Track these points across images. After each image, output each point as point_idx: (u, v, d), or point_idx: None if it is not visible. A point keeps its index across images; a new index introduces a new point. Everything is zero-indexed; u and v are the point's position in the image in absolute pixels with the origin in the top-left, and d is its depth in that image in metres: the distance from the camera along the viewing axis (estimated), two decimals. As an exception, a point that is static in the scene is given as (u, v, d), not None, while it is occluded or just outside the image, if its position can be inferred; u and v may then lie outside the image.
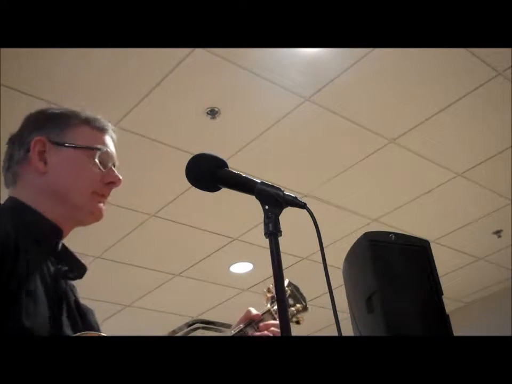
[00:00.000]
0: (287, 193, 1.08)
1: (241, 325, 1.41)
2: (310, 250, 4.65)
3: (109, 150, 1.31)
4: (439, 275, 1.51)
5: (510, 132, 3.72)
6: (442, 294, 1.48)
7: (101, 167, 1.28)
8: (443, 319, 1.44)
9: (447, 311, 1.46)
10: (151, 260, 4.60)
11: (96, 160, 1.28)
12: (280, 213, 1.06)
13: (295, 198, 1.08)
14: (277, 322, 1.44)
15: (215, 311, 5.59)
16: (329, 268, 1.06)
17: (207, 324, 5.83)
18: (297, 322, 1.54)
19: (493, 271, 5.45)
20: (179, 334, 5.87)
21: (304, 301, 1.57)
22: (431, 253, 1.55)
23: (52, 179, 1.25)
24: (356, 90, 3.35)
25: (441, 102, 3.50)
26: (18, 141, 1.32)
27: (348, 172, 3.98)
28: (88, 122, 1.32)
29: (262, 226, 1.05)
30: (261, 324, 1.47)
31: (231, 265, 4.94)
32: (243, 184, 1.12)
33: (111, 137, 1.35)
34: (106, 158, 1.30)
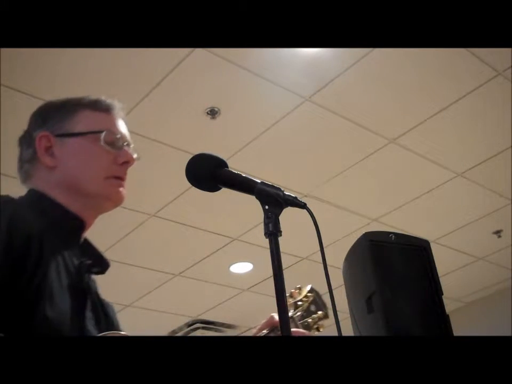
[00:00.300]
0: (287, 193, 1.08)
1: (264, 331, 1.37)
2: (310, 250, 4.65)
3: (115, 130, 1.27)
4: (439, 275, 1.51)
5: (510, 132, 3.72)
6: (442, 294, 1.48)
7: (110, 149, 1.25)
8: (443, 319, 1.44)
9: (447, 311, 1.46)
10: (151, 260, 4.60)
11: (102, 144, 1.24)
12: (280, 213, 1.06)
13: (295, 198, 1.08)
14: (301, 330, 1.40)
15: (215, 311, 5.59)
16: (329, 268, 1.06)
17: (207, 323, 5.83)
18: (318, 329, 1.49)
19: (493, 271, 5.45)
20: (179, 334, 5.87)
21: (325, 308, 1.53)
22: (431, 253, 1.55)
23: (62, 173, 1.23)
24: (356, 90, 3.35)
25: (441, 102, 3.50)
26: (25, 140, 1.30)
27: (348, 172, 3.98)
28: (89, 105, 1.28)
29: (262, 226, 1.05)
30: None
31: (231, 265, 4.94)
32: (243, 184, 1.11)
33: (119, 116, 1.31)
34: (114, 138, 1.26)
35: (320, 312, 1.50)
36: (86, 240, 1.26)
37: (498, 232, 4.86)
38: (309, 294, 1.51)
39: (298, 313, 1.45)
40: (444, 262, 4.83)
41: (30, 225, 1.08)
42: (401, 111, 3.54)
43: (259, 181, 1.09)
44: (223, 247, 4.62)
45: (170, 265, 4.75)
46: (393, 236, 1.51)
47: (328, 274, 1.06)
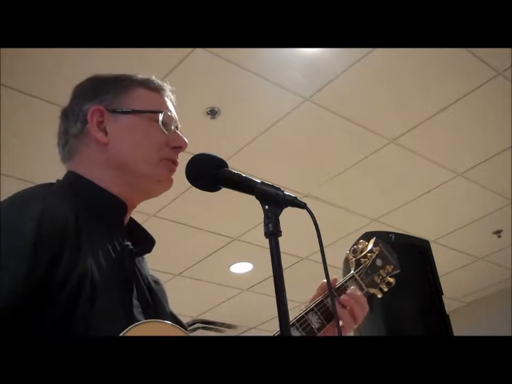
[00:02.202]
0: (287, 193, 1.08)
1: (320, 298, 1.25)
2: (310, 250, 4.65)
3: (170, 112, 1.23)
4: (439, 275, 1.51)
5: (510, 132, 3.72)
6: (442, 294, 1.48)
7: (165, 131, 1.20)
8: (443, 319, 1.44)
9: (447, 311, 1.46)
10: (151, 260, 4.59)
11: (160, 124, 1.19)
12: (280, 213, 1.06)
13: (295, 198, 1.08)
14: (361, 297, 1.27)
15: (215, 311, 5.60)
16: (329, 268, 1.06)
17: (207, 323, 5.83)
18: (388, 284, 1.35)
19: (493, 271, 5.45)
20: (179, 334, 5.87)
21: (395, 259, 1.38)
22: (431, 253, 1.55)
23: (114, 150, 1.17)
24: (356, 90, 3.35)
25: (441, 102, 3.50)
26: (72, 114, 1.21)
27: (348, 172, 3.98)
28: (143, 83, 1.23)
29: (262, 226, 1.05)
30: (344, 296, 1.26)
31: (231, 265, 4.94)
32: (243, 184, 1.11)
33: (169, 98, 1.27)
34: (169, 120, 1.21)
35: (388, 266, 1.37)
36: (130, 219, 1.21)
37: (498, 232, 4.86)
38: (374, 248, 1.38)
39: (361, 271, 1.34)
40: (444, 262, 4.84)
41: (64, 217, 1.02)
42: (401, 111, 3.54)
43: (259, 181, 1.09)
44: (223, 247, 4.62)
45: (170, 265, 4.75)
46: (393, 236, 1.52)
47: (328, 274, 1.06)
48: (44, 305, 0.95)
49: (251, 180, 1.10)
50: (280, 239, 1.04)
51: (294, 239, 4.12)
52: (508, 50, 3.09)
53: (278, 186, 1.08)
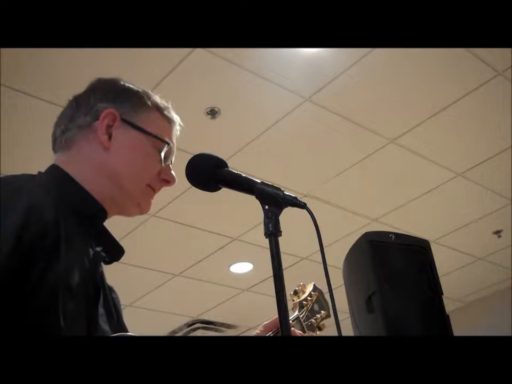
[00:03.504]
0: (287, 193, 1.08)
1: (270, 333, 1.35)
2: (310, 250, 4.65)
3: (174, 146, 1.24)
4: (439, 275, 1.51)
5: (510, 132, 3.72)
6: (442, 294, 1.48)
7: (162, 161, 1.20)
8: (443, 319, 1.44)
9: (447, 311, 1.46)
10: (151, 260, 4.60)
11: (162, 154, 1.20)
12: (280, 213, 1.06)
13: (295, 198, 1.08)
14: (305, 334, 1.39)
15: (215, 311, 5.60)
16: (329, 268, 1.06)
17: (207, 323, 5.83)
18: (320, 329, 1.48)
19: (493, 271, 5.45)
20: (179, 334, 5.87)
21: (328, 307, 1.51)
22: (431, 253, 1.55)
23: (111, 158, 1.16)
24: (356, 90, 3.35)
25: (441, 102, 3.50)
26: (85, 105, 1.20)
27: (348, 172, 3.98)
28: (160, 109, 1.24)
29: (262, 226, 1.05)
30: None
31: (231, 265, 4.94)
32: (243, 184, 1.11)
33: (176, 132, 1.28)
34: (169, 153, 1.23)
35: (323, 312, 1.49)
36: (102, 227, 1.20)
37: (498, 232, 4.86)
38: (313, 293, 1.50)
39: (304, 313, 1.44)
40: (444, 262, 4.84)
41: (47, 219, 1.00)
42: (401, 111, 3.54)
43: (259, 181, 1.09)
44: (223, 247, 4.62)
45: (170, 265, 4.75)
46: (393, 236, 1.51)
47: (328, 274, 1.06)
48: (15, 301, 0.93)
49: (251, 179, 1.10)
50: (280, 239, 1.04)
51: (294, 239, 4.12)
52: (507, 50, 3.09)
53: (278, 186, 1.08)
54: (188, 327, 5.81)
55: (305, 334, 1.42)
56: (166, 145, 1.21)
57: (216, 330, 5.94)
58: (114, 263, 1.21)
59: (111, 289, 1.20)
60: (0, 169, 3.31)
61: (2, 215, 0.95)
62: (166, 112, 1.25)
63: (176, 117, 1.28)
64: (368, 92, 3.37)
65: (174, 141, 1.27)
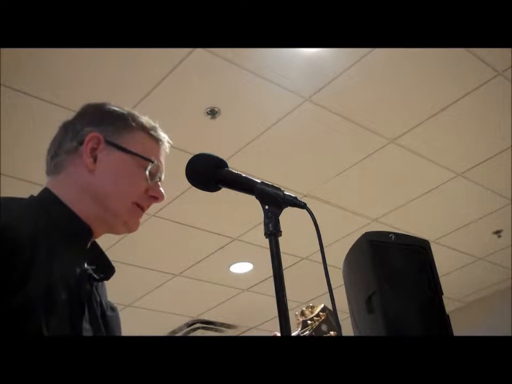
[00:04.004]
0: (287, 193, 1.08)
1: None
2: (310, 250, 4.65)
3: (160, 164, 1.27)
4: (439, 275, 1.51)
5: (510, 132, 3.72)
6: (442, 294, 1.48)
7: (148, 179, 1.24)
8: (443, 319, 1.44)
9: (447, 311, 1.46)
10: (151, 260, 4.60)
11: (146, 172, 1.23)
12: (280, 213, 1.06)
13: (295, 198, 1.08)
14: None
15: (215, 311, 5.59)
16: (329, 268, 1.06)
17: (207, 324, 5.83)
18: None
19: (493, 271, 5.45)
20: (179, 334, 5.87)
21: (339, 328, 1.50)
22: (431, 253, 1.55)
23: (96, 179, 1.20)
24: (356, 90, 3.35)
25: (441, 102, 3.50)
26: (72, 130, 1.25)
27: (348, 172, 3.98)
28: (146, 129, 1.27)
29: (262, 226, 1.05)
30: None
31: (231, 265, 4.94)
32: (243, 184, 1.12)
33: (164, 150, 1.31)
34: (155, 171, 1.26)
35: (332, 333, 1.45)
36: (93, 244, 1.23)
37: (498, 232, 4.86)
38: (321, 313, 1.47)
39: (306, 333, 1.42)
40: (444, 262, 4.84)
41: (22, 239, 1.03)
42: (401, 111, 3.54)
43: (259, 181, 1.09)
44: (223, 247, 4.62)
45: (170, 265, 4.75)
46: (393, 236, 1.51)
47: (328, 274, 1.06)
48: None
49: (251, 179, 1.11)
50: (280, 239, 1.04)
51: (294, 239, 4.12)
52: (508, 50, 3.09)
53: (278, 186, 1.08)
54: (188, 327, 5.81)
55: None
56: (151, 164, 1.24)
57: (216, 330, 5.94)
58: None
59: (111, 308, 1.23)
60: (0, 169, 3.31)
61: None
62: (152, 132, 1.28)
63: (163, 136, 1.30)
64: (368, 92, 3.37)
65: (163, 159, 1.30)
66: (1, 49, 2.65)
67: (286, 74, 3.18)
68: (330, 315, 1.48)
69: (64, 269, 1.10)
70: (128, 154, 1.22)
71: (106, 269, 1.21)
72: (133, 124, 1.26)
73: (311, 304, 1.51)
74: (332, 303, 1.19)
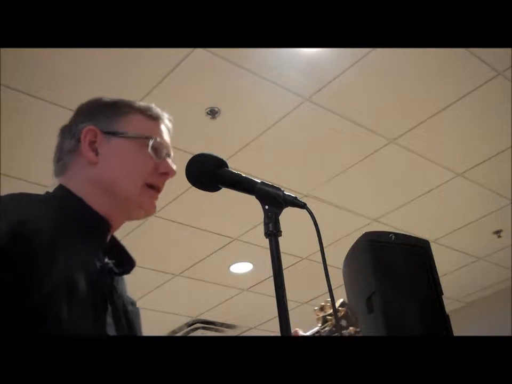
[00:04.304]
0: (287, 193, 1.08)
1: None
2: (310, 250, 4.65)
3: (162, 139, 1.25)
4: (439, 275, 1.51)
5: (510, 132, 3.72)
6: (442, 294, 1.48)
7: (154, 157, 1.22)
8: (443, 319, 1.44)
9: (447, 311, 1.46)
10: (151, 260, 4.60)
11: (149, 150, 1.22)
12: (280, 213, 1.06)
13: (295, 198, 1.08)
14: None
15: (215, 311, 5.59)
16: (329, 268, 1.06)
17: (207, 323, 5.83)
18: None
19: (493, 271, 5.45)
20: (179, 334, 5.87)
21: (339, 328, 1.44)
22: (431, 253, 1.55)
23: (102, 170, 1.20)
24: (356, 90, 3.35)
25: (441, 102, 3.50)
26: (68, 131, 1.25)
27: (348, 172, 3.98)
28: (141, 110, 1.26)
29: (262, 226, 1.05)
30: None
31: (231, 265, 4.94)
32: (243, 184, 1.12)
33: (166, 126, 1.29)
34: (159, 147, 1.24)
35: (351, 328, 1.43)
36: (112, 238, 1.23)
37: (498, 232, 4.86)
38: (340, 308, 1.45)
39: (326, 328, 1.41)
40: (444, 262, 4.84)
41: (39, 233, 1.02)
42: (401, 111, 3.54)
43: (259, 181, 1.09)
44: (223, 247, 4.62)
45: (170, 265, 4.75)
46: (393, 236, 1.52)
47: (328, 274, 1.06)
48: (15, 313, 0.95)
49: (251, 179, 1.11)
50: (280, 239, 1.04)
51: (294, 239, 4.12)
52: (508, 50, 3.09)
53: (278, 186, 1.08)
54: (188, 327, 5.81)
55: None
56: (151, 140, 1.22)
57: (216, 330, 5.94)
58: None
59: (131, 303, 1.22)
60: (0, 169, 3.31)
61: None
62: (148, 112, 1.27)
63: (161, 113, 1.29)
64: (368, 91, 3.37)
65: (165, 135, 1.28)
66: (1, 49, 2.65)
67: (286, 74, 3.18)
68: (349, 310, 1.46)
69: (84, 262, 1.09)
70: (126, 138, 1.22)
71: (126, 263, 1.21)
72: (127, 108, 1.26)
73: (328, 299, 1.49)
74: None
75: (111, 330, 1.09)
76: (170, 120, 1.31)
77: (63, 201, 1.17)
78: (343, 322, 1.43)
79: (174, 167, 1.26)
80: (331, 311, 1.45)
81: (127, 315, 1.17)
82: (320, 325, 1.42)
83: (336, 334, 1.41)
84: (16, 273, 0.96)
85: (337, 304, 1.46)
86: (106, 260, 1.16)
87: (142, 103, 1.28)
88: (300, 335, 1.36)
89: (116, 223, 1.22)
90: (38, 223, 1.03)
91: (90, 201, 1.18)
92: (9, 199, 1.08)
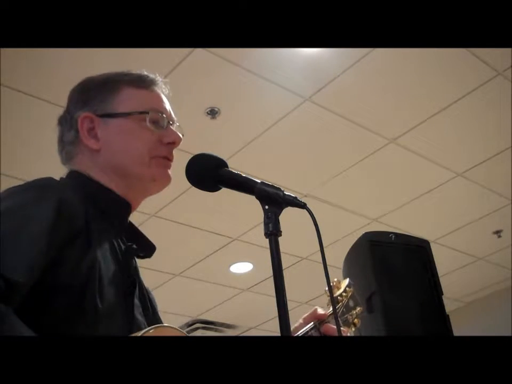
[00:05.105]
0: (287, 193, 1.08)
1: (311, 324, 1.31)
2: (310, 250, 4.65)
3: (160, 108, 1.23)
4: (439, 275, 1.51)
5: (510, 132, 3.72)
6: (442, 294, 1.48)
7: (155, 129, 1.19)
8: (443, 319, 1.44)
9: (447, 311, 1.46)
10: (151, 260, 4.59)
11: (148, 124, 1.19)
12: (280, 213, 1.06)
13: (295, 198, 1.08)
14: (337, 329, 1.40)
15: (215, 311, 5.60)
16: (329, 268, 1.06)
17: (207, 323, 5.83)
18: (355, 325, 1.44)
19: (493, 271, 5.45)
20: (179, 334, 5.86)
21: (363, 303, 1.47)
22: (431, 253, 1.55)
23: (107, 155, 1.18)
24: (356, 90, 3.35)
25: (441, 102, 3.50)
26: (65, 121, 1.22)
27: (348, 172, 3.98)
28: (132, 82, 1.23)
29: (262, 226, 1.05)
30: (324, 326, 1.34)
31: (231, 265, 4.95)
32: (243, 184, 1.11)
33: (162, 92, 1.27)
34: (159, 117, 1.21)
35: (358, 308, 1.45)
36: (130, 224, 1.22)
37: (498, 232, 4.86)
38: (347, 289, 1.46)
39: (340, 309, 1.42)
40: (444, 262, 4.84)
41: (77, 211, 1.03)
42: (401, 111, 3.54)
43: (259, 181, 1.09)
44: (223, 247, 4.62)
45: (170, 265, 4.75)
46: (393, 236, 1.52)
47: (328, 274, 1.06)
48: (54, 290, 0.96)
49: (251, 179, 1.10)
50: (280, 239, 1.04)
51: (294, 239, 4.12)
52: (508, 50, 3.09)
53: (278, 186, 1.08)
54: (188, 327, 5.81)
55: (342, 329, 1.37)
56: (148, 114, 1.20)
57: (216, 330, 5.94)
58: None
59: (147, 289, 1.21)
60: (0, 169, 3.31)
61: (34, 208, 0.98)
62: (139, 83, 1.25)
63: (154, 78, 1.27)
64: (368, 91, 3.37)
65: (162, 102, 1.25)
66: (1, 49, 2.65)
67: (286, 74, 3.18)
68: (355, 290, 1.47)
69: (111, 244, 1.10)
70: (123, 117, 1.19)
71: (146, 247, 1.21)
72: (117, 84, 1.23)
73: (336, 279, 1.49)
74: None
75: (138, 313, 1.09)
76: (166, 83, 1.29)
77: (83, 184, 1.16)
78: (351, 303, 1.43)
79: (180, 134, 1.24)
80: (340, 292, 1.45)
81: (150, 297, 1.18)
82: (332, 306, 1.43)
83: (346, 315, 1.42)
84: (57, 246, 0.96)
85: (344, 285, 1.47)
86: (129, 243, 1.16)
87: (133, 73, 1.26)
88: (321, 313, 1.34)
89: (134, 203, 1.22)
90: (74, 203, 1.04)
91: (105, 184, 1.17)
92: (44, 182, 1.07)
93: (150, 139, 1.20)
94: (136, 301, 1.10)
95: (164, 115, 1.23)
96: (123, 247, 1.13)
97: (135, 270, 1.14)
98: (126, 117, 1.19)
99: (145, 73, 1.27)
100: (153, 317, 1.15)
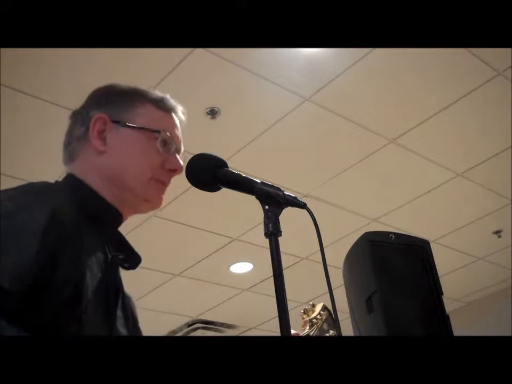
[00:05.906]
0: (287, 193, 1.08)
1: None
2: (310, 250, 4.65)
3: (172, 133, 1.23)
4: (439, 275, 1.51)
5: (510, 132, 3.72)
6: (442, 294, 1.48)
7: (162, 151, 1.20)
8: (443, 319, 1.44)
9: (447, 311, 1.46)
10: (151, 260, 4.60)
11: (158, 144, 1.19)
12: (280, 213, 1.06)
13: (295, 198, 1.08)
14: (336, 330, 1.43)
15: (215, 311, 5.60)
16: (329, 268, 1.06)
17: (207, 323, 5.83)
18: None
19: (493, 271, 5.45)
20: (179, 334, 5.87)
21: (338, 326, 1.51)
22: (431, 253, 1.55)
23: (109, 160, 1.18)
24: (356, 90, 3.35)
25: (441, 102, 3.50)
26: (79, 117, 1.23)
27: (348, 172, 3.98)
28: (154, 101, 1.23)
29: (262, 226, 1.05)
30: None
31: (231, 265, 4.95)
32: (243, 184, 1.12)
33: (179, 119, 1.27)
34: (169, 142, 1.21)
35: (331, 332, 1.48)
36: (119, 233, 1.22)
37: (498, 232, 4.86)
38: (322, 312, 1.49)
39: (314, 331, 1.45)
40: (444, 262, 4.84)
41: (69, 219, 1.03)
42: (401, 111, 3.54)
43: (259, 181, 1.09)
44: (223, 247, 4.62)
45: (170, 265, 4.75)
46: (393, 236, 1.52)
47: (328, 274, 1.06)
48: (42, 297, 0.96)
49: (251, 179, 1.11)
50: (280, 239, 1.04)
51: (294, 239, 4.12)
52: (508, 50, 3.09)
53: (278, 186, 1.08)
54: (188, 327, 5.81)
55: None
56: (159, 134, 1.20)
57: (216, 330, 5.94)
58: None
59: (128, 297, 1.22)
60: (0, 169, 3.31)
61: (27, 215, 0.98)
62: (160, 103, 1.24)
63: (174, 104, 1.26)
64: (368, 91, 3.37)
65: (176, 128, 1.25)
66: (1, 49, 2.65)
67: (286, 74, 3.18)
68: (330, 314, 1.50)
69: (98, 254, 1.09)
70: (135, 129, 1.19)
71: (132, 258, 1.20)
72: (139, 98, 1.23)
73: (311, 303, 1.53)
74: (332, 303, 1.19)
75: (120, 324, 1.10)
76: (184, 113, 1.29)
77: (76, 190, 1.15)
78: (325, 326, 1.47)
79: (182, 163, 1.24)
80: (314, 315, 1.49)
81: (131, 305, 1.19)
82: (308, 328, 1.46)
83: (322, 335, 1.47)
84: (48, 253, 0.96)
85: (318, 308, 1.51)
86: (115, 253, 1.16)
87: (157, 93, 1.25)
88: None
89: (124, 215, 1.21)
90: (66, 213, 1.03)
91: (100, 191, 1.17)
92: (37, 187, 1.07)
93: (155, 159, 1.20)
94: (119, 312, 1.11)
95: (174, 141, 1.24)
96: (109, 256, 1.13)
97: (120, 280, 1.15)
98: (139, 130, 1.19)
99: (169, 97, 1.27)
100: (133, 328, 1.15)
